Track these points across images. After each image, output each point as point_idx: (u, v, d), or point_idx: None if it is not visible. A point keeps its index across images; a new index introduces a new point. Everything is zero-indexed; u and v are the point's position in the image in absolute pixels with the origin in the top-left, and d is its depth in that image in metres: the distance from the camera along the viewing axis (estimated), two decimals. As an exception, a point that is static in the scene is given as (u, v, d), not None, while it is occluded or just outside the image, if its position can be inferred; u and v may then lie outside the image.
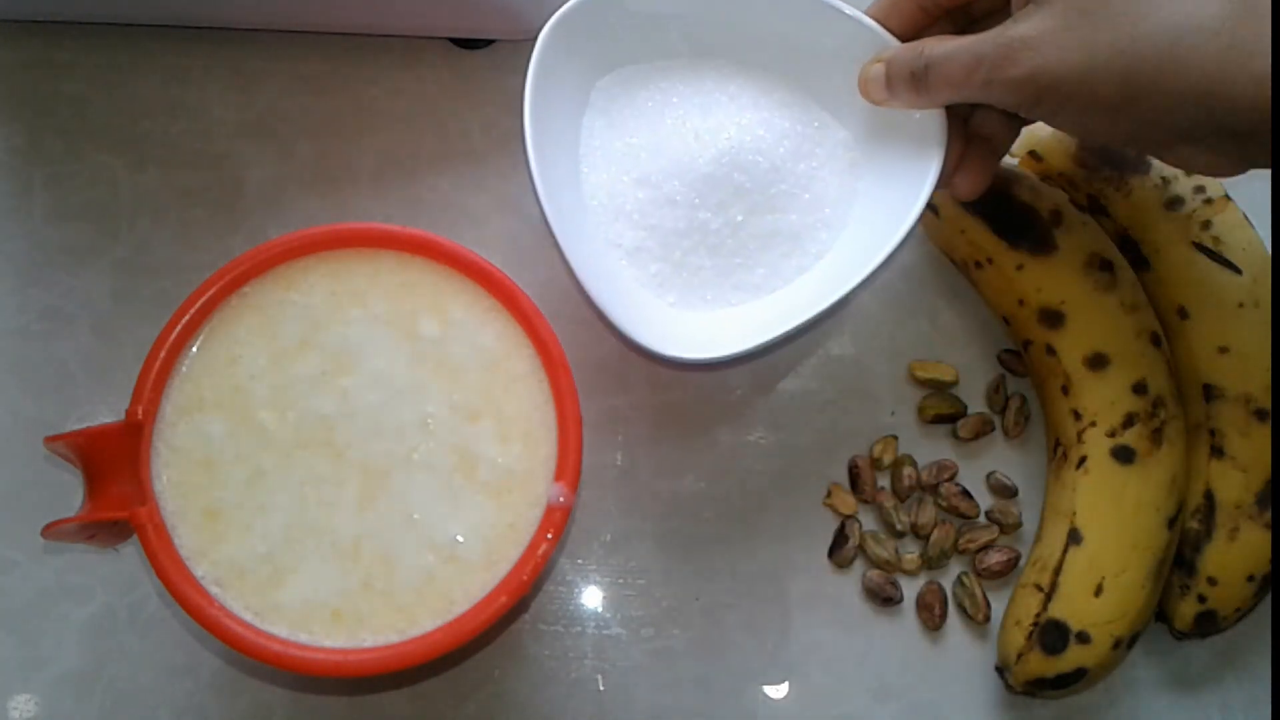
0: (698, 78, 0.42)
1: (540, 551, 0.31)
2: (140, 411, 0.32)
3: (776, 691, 0.39)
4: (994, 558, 0.40)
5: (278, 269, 0.34)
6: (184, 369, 0.33)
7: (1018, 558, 0.40)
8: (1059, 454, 0.39)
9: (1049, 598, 0.37)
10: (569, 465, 0.32)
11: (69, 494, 0.40)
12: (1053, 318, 0.39)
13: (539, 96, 0.38)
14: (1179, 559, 0.38)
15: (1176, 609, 0.38)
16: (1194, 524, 0.38)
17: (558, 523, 0.31)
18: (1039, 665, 0.37)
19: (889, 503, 0.40)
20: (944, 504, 0.40)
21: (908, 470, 0.41)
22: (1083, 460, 0.38)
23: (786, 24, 0.40)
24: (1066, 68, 0.32)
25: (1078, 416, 0.39)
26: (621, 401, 0.42)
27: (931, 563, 0.40)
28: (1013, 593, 0.39)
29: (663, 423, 0.42)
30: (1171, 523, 0.37)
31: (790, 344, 0.43)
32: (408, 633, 0.31)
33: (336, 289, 0.34)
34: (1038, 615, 0.37)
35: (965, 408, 0.42)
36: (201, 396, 0.33)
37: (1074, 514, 0.38)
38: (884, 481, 0.41)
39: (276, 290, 0.34)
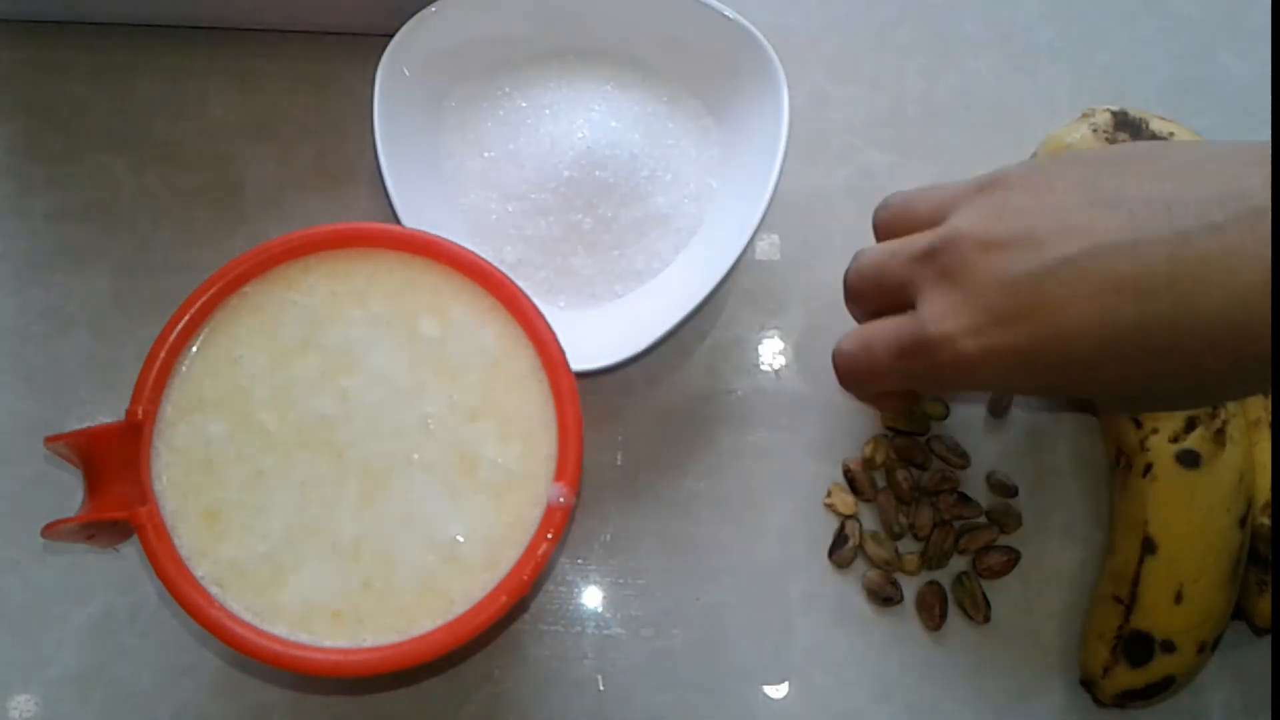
0: (542, 78, 0.43)
1: (540, 551, 0.31)
2: (140, 411, 0.32)
3: (776, 691, 0.39)
4: (994, 558, 0.40)
5: (278, 269, 0.34)
6: (184, 369, 0.33)
7: (1018, 557, 0.40)
8: (1122, 464, 0.39)
9: (1129, 609, 0.37)
10: (569, 465, 0.32)
11: (69, 494, 0.40)
12: None
13: (391, 128, 0.40)
14: (1253, 555, 0.38)
15: (1256, 606, 0.38)
16: (1264, 519, 0.38)
17: (558, 523, 0.31)
18: (1127, 678, 0.37)
19: (889, 504, 0.40)
20: (943, 515, 0.40)
21: (902, 474, 0.41)
22: (1148, 468, 0.38)
23: (621, 12, 0.42)
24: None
25: (1138, 425, 0.38)
26: (621, 401, 0.42)
27: (931, 563, 0.40)
28: (1089, 605, 0.39)
29: (663, 423, 0.42)
30: (1243, 522, 0.37)
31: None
32: (408, 633, 0.31)
33: (336, 289, 0.34)
34: (1120, 628, 0.37)
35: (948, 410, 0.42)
36: (201, 396, 0.33)
37: (1146, 523, 0.37)
38: (884, 481, 0.41)
39: (276, 290, 0.34)
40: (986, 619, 0.39)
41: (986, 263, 0.31)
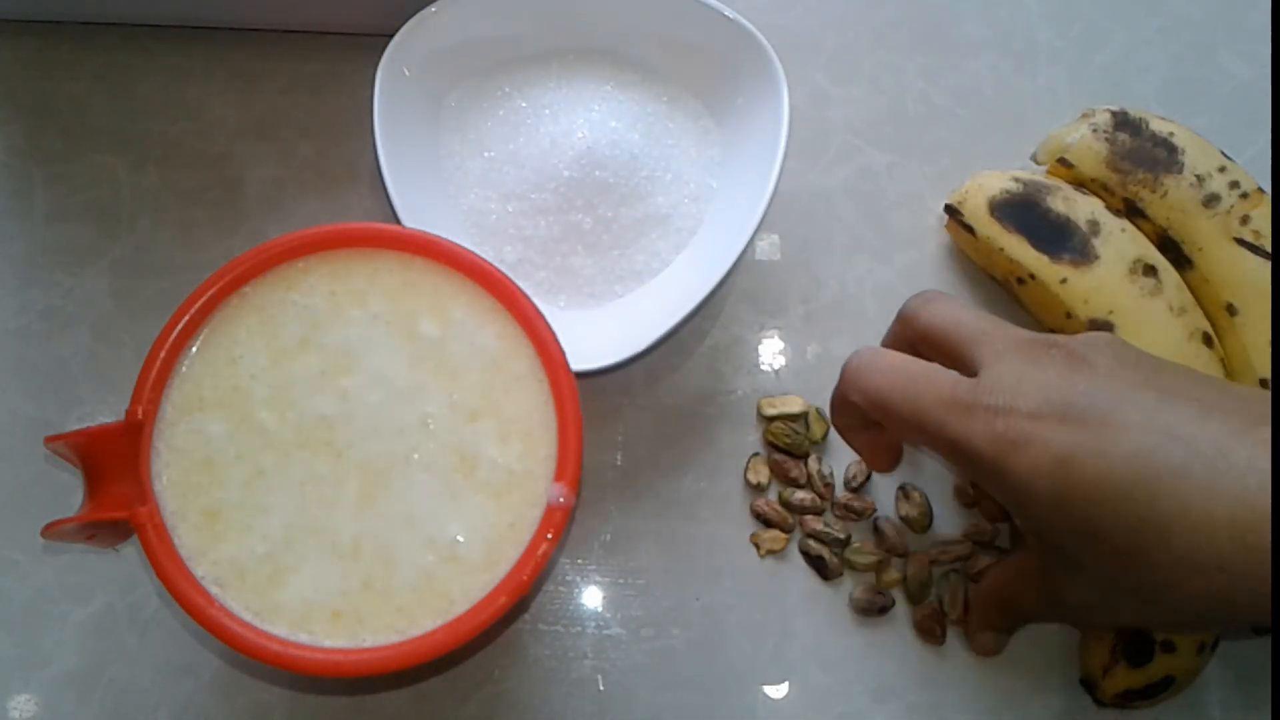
0: (542, 78, 0.43)
1: (540, 551, 0.31)
2: (140, 411, 0.32)
3: (776, 691, 0.39)
4: (984, 563, 0.40)
5: (278, 269, 0.34)
6: (184, 369, 0.33)
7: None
8: None
9: None
10: (569, 465, 0.32)
11: (69, 494, 0.40)
12: (1103, 328, 0.39)
13: (391, 128, 0.40)
14: None
15: None
16: None
17: (558, 523, 0.31)
18: (1127, 678, 0.37)
19: (818, 524, 0.40)
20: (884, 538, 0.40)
21: (799, 495, 0.40)
22: None
23: (621, 12, 0.42)
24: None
25: None
26: (621, 401, 0.42)
27: (913, 597, 0.40)
28: None
29: (663, 423, 0.42)
30: None
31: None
32: (408, 633, 0.31)
33: (336, 289, 0.34)
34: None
35: None
36: (201, 396, 0.33)
37: None
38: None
39: (276, 290, 0.34)
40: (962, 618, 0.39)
41: (1078, 375, 0.31)
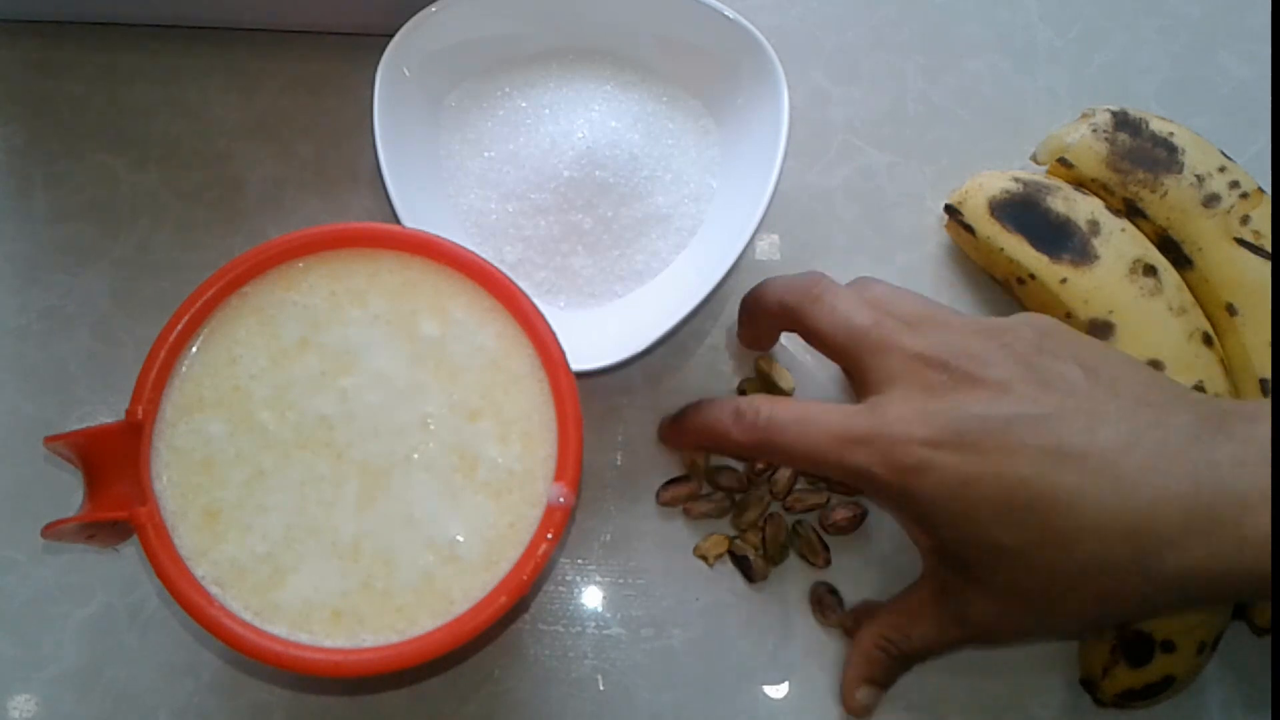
0: (542, 78, 0.43)
1: (540, 551, 0.31)
2: (140, 411, 0.32)
3: (776, 691, 0.39)
4: (840, 513, 0.40)
5: (278, 269, 0.34)
6: (184, 369, 0.33)
7: (865, 513, 0.40)
8: None
9: None
10: (569, 465, 0.32)
11: (69, 494, 0.40)
12: (1103, 328, 0.39)
13: (391, 128, 0.40)
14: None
15: (1256, 606, 0.38)
16: None
17: (558, 523, 0.31)
18: (1127, 678, 0.37)
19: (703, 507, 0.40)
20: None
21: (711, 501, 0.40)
22: None
23: (621, 12, 0.42)
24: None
25: None
26: (621, 401, 0.42)
27: (773, 557, 0.40)
28: None
29: (663, 423, 0.42)
30: None
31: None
32: (407, 633, 0.31)
33: (336, 289, 0.34)
34: (1120, 627, 0.37)
35: None
36: (201, 396, 0.33)
37: None
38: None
39: (276, 290, 0.34)
40: (827, 562, 0.40)
41: (969, 399, 0.33)
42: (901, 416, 0.33)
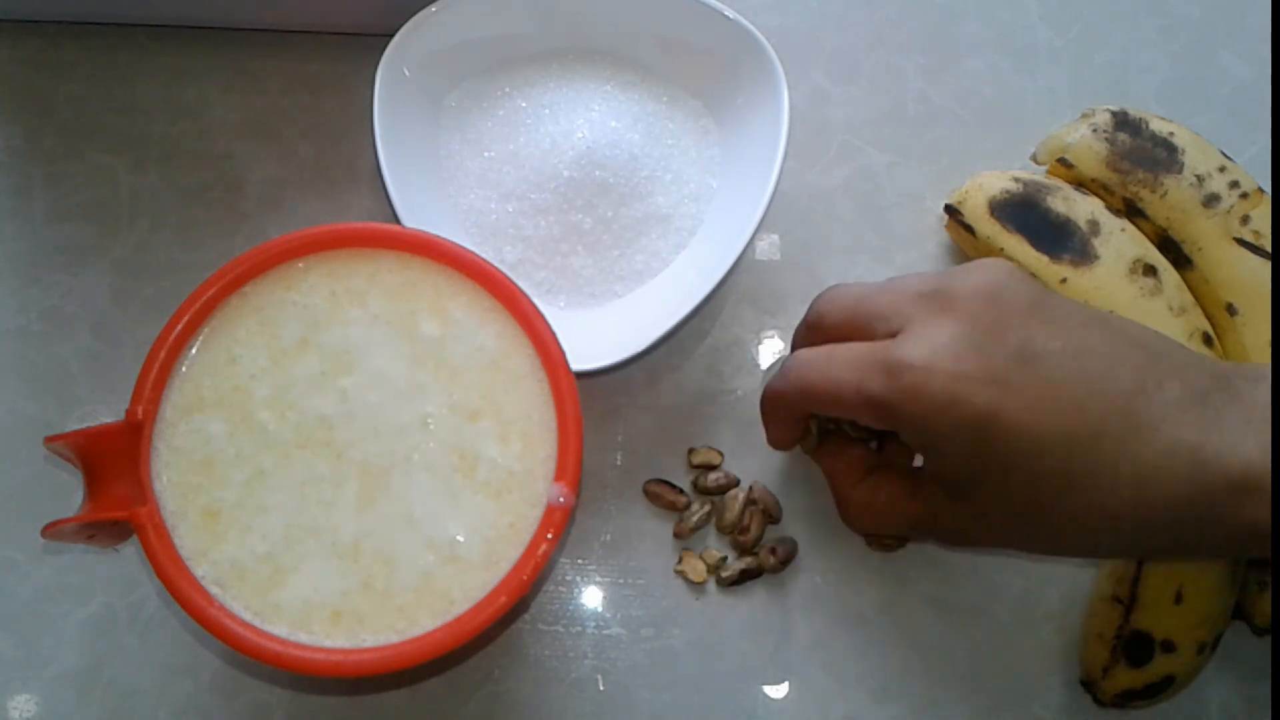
0: (542, 78, 0.43)
1: (540, 551, 0.31)
2: (140, 411, 0.32)
3: (776, 691, 0.39)
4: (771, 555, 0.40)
5: (278, 269, 0.34)
6: (184, 369, 0.33)
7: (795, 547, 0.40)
8: None
9: (1130, 609, 0.37)
10: (569, 465, 0.32)
11: (69, 494, 0.40)
12: None
13: (391, 128, 0.40)
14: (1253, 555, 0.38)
15: (1255, 605, 0.38)
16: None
17: (558, 523, 0.31)
18: (1127, 678, 0.37)
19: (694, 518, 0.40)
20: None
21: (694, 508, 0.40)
22: None
23: (621, 12, 0.42)
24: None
25: None
26: (621, 401, 0.42)
27: (744, 547, 0.40)
28: (1089, 605, 0.39)
29: (663, 423, 0.42)
30: None
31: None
32: (407, 633, 0.31)
33: (336, 289, 0.34)
34: (1120, 628, 0.37)
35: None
36: (201, 396, 0.33)
37: None
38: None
39: (276, 290, 0.34)
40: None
41: (985, 343, 0.32)
42: (928, 347, 0.32)
